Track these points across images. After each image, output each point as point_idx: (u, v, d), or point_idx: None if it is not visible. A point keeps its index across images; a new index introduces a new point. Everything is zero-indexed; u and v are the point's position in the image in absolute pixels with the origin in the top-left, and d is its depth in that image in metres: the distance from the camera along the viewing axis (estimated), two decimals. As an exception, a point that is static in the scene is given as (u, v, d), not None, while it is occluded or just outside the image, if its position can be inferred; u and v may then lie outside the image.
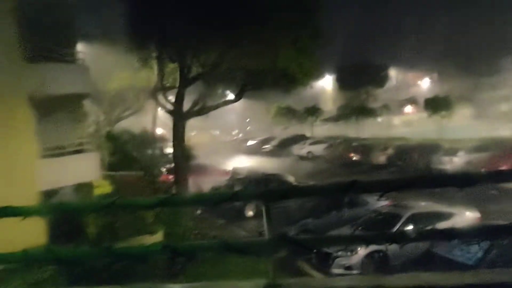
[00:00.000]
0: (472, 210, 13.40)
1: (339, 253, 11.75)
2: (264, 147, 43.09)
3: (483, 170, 20.65)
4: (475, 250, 10.07)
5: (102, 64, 17.92)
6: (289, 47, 16.32)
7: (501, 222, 2.26)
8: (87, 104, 15.84)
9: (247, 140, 49.03)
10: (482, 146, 24.79)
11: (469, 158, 23.30)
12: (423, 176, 2.06)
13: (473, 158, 23.03)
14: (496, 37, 43.15)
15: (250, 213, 17.67)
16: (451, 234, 2.23)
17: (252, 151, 41.92)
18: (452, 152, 25.01)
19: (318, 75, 28.00)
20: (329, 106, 49.35)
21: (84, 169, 12.75)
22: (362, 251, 11.66)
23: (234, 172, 24.46)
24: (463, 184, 2.27)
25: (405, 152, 28.04)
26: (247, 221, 17.09)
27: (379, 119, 46.52)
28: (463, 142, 27.72)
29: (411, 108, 49.55)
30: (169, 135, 20.27)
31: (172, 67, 18.31)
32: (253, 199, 3.28)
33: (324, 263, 11.95)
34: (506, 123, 35.43)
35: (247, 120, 60.93)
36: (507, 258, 9.12)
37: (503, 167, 18.93)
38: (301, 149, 37.44)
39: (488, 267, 9.20)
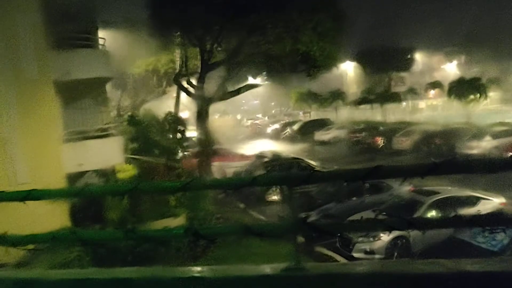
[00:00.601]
0: (497, 197, 13.18)
1: (361, 238, 11.73)
2: (287, 131, 42.88)
3: (509, 155, 20.33)
4: (500, 237, 9.93)
5: (125, 49, 18.05)
6: (310, 31, 16.18)
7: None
8: (110, 88, 16.02)
9: (270, 125, 48.92)
10: (509, 131, 24.42)
11: (496, 143, 22.89)
12: (447, 161, 2.02)
13: (500, 143, 22.63)
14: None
15: (272, 198, 17.69)
16: (475, 221, 2.18)
17: (275, 136, 41.85)
18: (479, 136, 24.55)
19: (340, 59, 27.73)
20: (353, 90, 48.79)
21: (107, 153, 12.93)
22: (384, 237, 11.60)
23: (257, 156, 24.48)
24: (488, 170, 2.22)
25: (430, 137, 27.62)
26: (269, 206, 17.13)
27: (404, 104, 45.86)
28: (490, 126, 27.16)
29: (436, 92, 48.65)
30: (192, 119, 20.39)
31: (194, 52, 18.37)
32: (274, 183, 3.27)
33: (346, 248, 11.95)
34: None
35: (271, 105, 60.80)
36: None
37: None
38: (325, 134, 37.24)
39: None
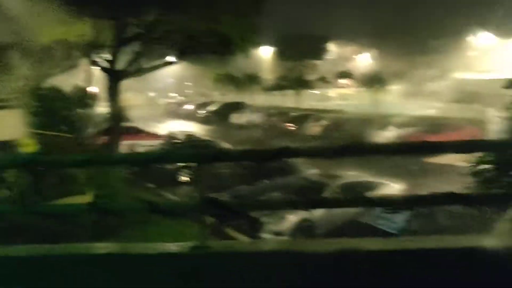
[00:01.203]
0: (397, 182, 14.09)
1: (269, 220, 12.01)
2: (201, 112, 42.57)
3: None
4: (398, 220, 10.62)
5: (32, 15, 16.85)
6: (229, 12, 16.07)
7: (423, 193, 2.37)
8: (13, 56, 14.92)
9: (185, 105, 48.26)
10: (410, 122, 26.17)
11: (398, 133, 24.34)
12: (351, 145, 2.10)
13: (401, 134, 24.10)
14: (422, 18, 44.66)
15: (183, 178, 17.55)
16: (376, 202, 2.29)
17: (189, 116, 41.40)
18: (383, 126, 26.06)
19: (258, 43, 27.92)
20: (269, 75, 49.38)
21: (8, 126, 12.10)
22: (291, 218, 11.99)
23: (169, 136, 24.12)
24: (389, 153, 2.33)
25: (339, 125, 28.85)
26: (180, 186, 16.99)
27: (316, 91, 47.22)
28: (394, 117, 28.83)
29: (347, 82, 50.57)
30: (103, 95, 19.59)
31: (108, 25, 17.56)
32: (183, 161, 3.22)
33: (254, 229, 12.16)
34: (433, 101, 37.07)
35: (186, 85, 59.96)
36: (428, 228, 9.68)
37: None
38: (239, 117, 37.42)
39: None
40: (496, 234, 2.41)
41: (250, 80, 45.33)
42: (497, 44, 42.41)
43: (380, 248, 2.28)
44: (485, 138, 19.42)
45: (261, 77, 47.09)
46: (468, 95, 33.10)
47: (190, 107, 46.17)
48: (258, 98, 45.91)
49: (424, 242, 2.39)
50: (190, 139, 22.28)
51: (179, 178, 17.50)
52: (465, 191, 2.23)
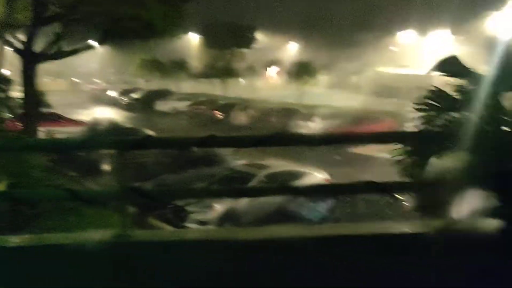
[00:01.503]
0: (321, 172, 14.49)
1: (194, 209, 11.94)
2: (125, 99, 41.34)
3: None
4: (321, 208, 10.96)
5: None
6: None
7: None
8: None
9: (108, 91, 46.63)
10: (334, 114, 27.09)
11: (322, 125, 25.04)
12: (277, 134, 2.13)
13: (326, 125, 24.80)
14: (356, 11, 46.04)
15: (105, 166, 16.98)
16: (300, 191, 2.32)
17: (113, 103, 40.09)
18: (309, 117, 26.75)
19: (185, 29, 27.49)
20: (195, 63, 48.81)
21: None
22: (217, 207, 11.98)
23: (91, 123, 23.24)
24: (313, 144, 2.36)
25: (266, 114, 29.18)
26: (102, 175, 16.43)
27: (244, 80, 47.37)
28: (319, 109, 29.64)
29: (275, 72, 51.14)
30: (18, 78, 18.45)
31: (24, 3, 16.51)
32: (105, 148, 3.07)
33: (179, 218, 12.05)
34: (356, 94, 38.43)
35: (110, 70, 57.93)
36: (350, 217, 10.08)
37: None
38: (165, 104, 36.75)
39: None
40: (411, 220, 2.52)
41: (176, 66, 44.59)
42: (417, 41, 44.54)
43: (304, 235, 2.33)
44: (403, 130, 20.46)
45: (188, 64, 46.46)
46: (389, 88, 34.61)
47: (113, 93, 44.68)
48: (185, 86, 45.32)
49: (347, 228, 2.46)
50: (113, 126, 21.61)
51: (102, 167, 16.91)
52: (383, 180, 2.30)
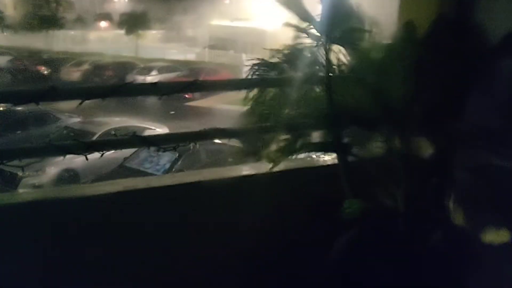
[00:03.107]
0: (162, 127, 14.43)
1: (27, 173, 11.12)
2: None
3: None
4: (163, 162, 11.00)
5: None
6: None
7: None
8: None
9: None
10: (171, 67, 26.95)
11: (160, 78, 24.73)
12: (125, 84, 2.08)
13: (163, 78, 24.56)
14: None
15: None
16: (145, 141, 2.31)
17: None
18: (146, 71, 26.23)
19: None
20: (12, 12, 43.64)
21: None
22: (51, 169, 11.32)
23: None
24: (157, 93, 2.35)
25: (100, 69, 27.73)
26: None
27: (72, 32, 43.97)
28: (155, 62, 29.10)
29: (106, 24, 48.37)
30: None
31: None
32: None
33: (10, 184, 11.12)
34: (192, 47, 38.45)
35: None
36: (191, 168, 10.28)
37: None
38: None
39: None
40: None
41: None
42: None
43: (155, 185, 2.37)
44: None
45: (3, 14, 41.34)
46: (223, 41, 35.26)
47: None
48: (2, 39, 40.44)
49: (191, 176, 2.54)
50: None
51: None
52: (222, 127, 2.41)
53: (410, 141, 2.23)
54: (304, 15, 2.21)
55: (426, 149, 2.29)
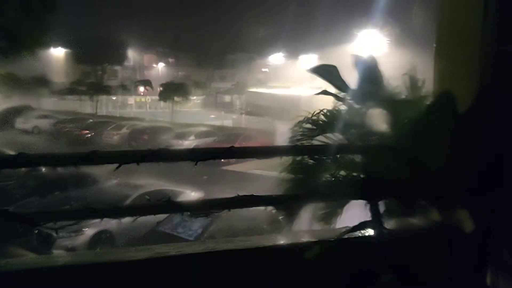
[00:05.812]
0: (197, 192, 14.49)
1: (62, 234, 11.20)
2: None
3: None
4: (196, 227, 10.93)
5: None
6: (17, 6, 14.60)
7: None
8: None
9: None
10: (208, 132, 27.45)
11: (197, 142, 25.15)
12: (160, 149, 2.11)
13: (200, 142, 24.97)
14: (218, 33, 47.37)
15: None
16: (179, 207, 2.30)
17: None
18: (183, 136, 26.74)
19: (49, 43, 25.91)
20: (61, 79, 46.04)
21: None
22: (87, 231, 11.37)
23: None
24: (193, 159, 2.36)
25: (138, 133, 28.49)
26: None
27: (114, 98, 45.85)
28: (192, 127, 29.75)
29: (146, 90, 50.32)
30: None
31: None
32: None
33: (45, 245, 11.20)
34: (228, 113, 39.30)
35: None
36: (224, 233, 10.15)
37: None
38: (26, 123, 34.04)
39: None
40: (287, 233, 2.62)
41: (39, 82, 41.60)
42: (286, 64, 46.85)
43: (185, 252, 2.33)
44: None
45: (52, 80, 43.60)
46: (260, 108, 35.87)
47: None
48: (48, 103, 42.42)
49: (224, 244, 2.50)
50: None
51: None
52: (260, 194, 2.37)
53: (451, 214, 2.14)
54: (340, 83, 2.21)
55: (467, 223, 2.19)
